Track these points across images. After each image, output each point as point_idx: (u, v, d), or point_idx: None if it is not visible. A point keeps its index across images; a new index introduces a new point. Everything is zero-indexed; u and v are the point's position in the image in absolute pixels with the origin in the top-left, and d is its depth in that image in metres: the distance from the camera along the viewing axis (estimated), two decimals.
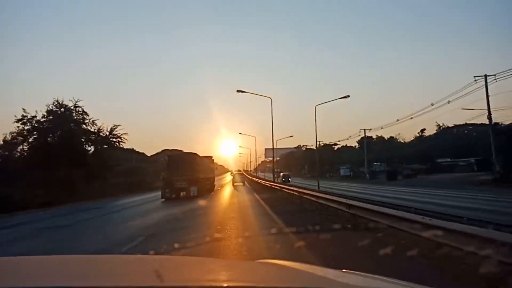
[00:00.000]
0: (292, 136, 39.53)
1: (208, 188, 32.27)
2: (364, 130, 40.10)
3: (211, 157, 38.17)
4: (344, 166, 53.20)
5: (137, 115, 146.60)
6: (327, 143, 67.50)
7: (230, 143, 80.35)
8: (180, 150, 45.97)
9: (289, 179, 45.96)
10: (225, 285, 1.23)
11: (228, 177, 67.88)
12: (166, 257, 3.48)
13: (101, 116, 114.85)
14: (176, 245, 6.32)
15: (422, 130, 53.31)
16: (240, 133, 52.86)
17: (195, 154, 26.34)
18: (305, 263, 1.81)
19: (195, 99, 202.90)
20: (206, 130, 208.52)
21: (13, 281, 1.20)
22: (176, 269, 1.51)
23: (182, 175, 24.90)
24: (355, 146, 70.15)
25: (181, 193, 24.81)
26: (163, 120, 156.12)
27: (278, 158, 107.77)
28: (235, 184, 40.33)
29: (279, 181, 39.13)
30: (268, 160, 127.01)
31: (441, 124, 50.46)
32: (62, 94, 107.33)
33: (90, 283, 1.17)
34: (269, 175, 67.97)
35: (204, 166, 30.28)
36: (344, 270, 1.52)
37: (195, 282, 1.20)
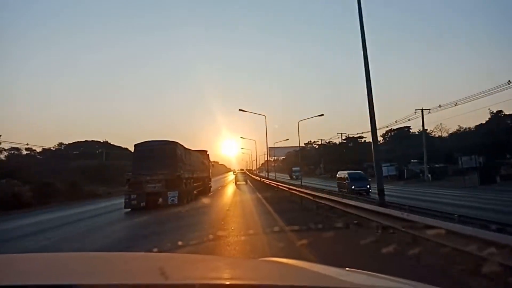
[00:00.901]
0: (322, 114, 31.38)
1: (201, 191, 24.70)
2: (422, 110, 30.88)
3: (206, 151, 30.20)
4: (387, 163, 42.89)
5: (136, 115, 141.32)
6: (352, 135, 56.58)
7: (232, 142, 75.82)
8: None
9: (368, 186, 25.02)
10: (228, 282, 1.21)
11: (230, 177, 66.75)
12: (170, 254, 3.57)
13: (99, 115, 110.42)
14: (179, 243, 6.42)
15: (499, 112, 38.63)
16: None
17: (176, 143, 18.36)
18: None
19: (196, 98, 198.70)
20: (207, 131, 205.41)
21: (17, 279, 1.19)
22: (180, 267, 1.51)
23: (156, 173, 17.06)
24: (380, 141, 60.80)
25: (159, 200, 16.93)
26: (162, 121, 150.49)
27: (284, 157, 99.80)
28: (237, 183, 39.53)
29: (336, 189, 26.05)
30: (272, 160, 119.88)
31: (494, 112, 39.72)
32: (61, 93, 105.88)
33: (94, 281, 1.16)
34: (280, 176, 59.95)
35: (194, 161, 22.40)
36: (347, 269, 1.50)
37: (199, 280, 1.20)
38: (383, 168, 41.16)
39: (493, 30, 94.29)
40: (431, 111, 29.88)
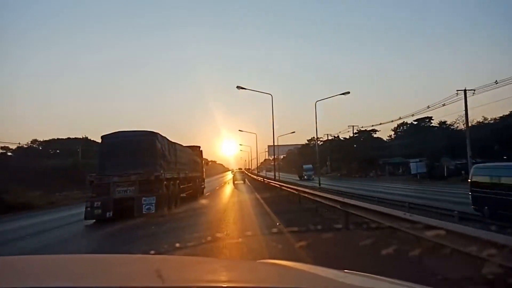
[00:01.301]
0: (348, 92, 26.45)
1: (191, 193, 20.93)
2: (465, 90, 25.53)
3: (198, 147, 26.20)
4: (416, 159, 35.43)
5: (134, 115, 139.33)
6: (364, 128, 49.13)
7: (230, 142, 74.00)
8: None
9: None
10: (226, 285, 1.22)
11: (229, 176, 65.28)
12: (167, 257, 3.44)
13: (99, 115, 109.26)
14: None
15: None
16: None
17: (155, 134, 14.41)
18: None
19: (194, 98, 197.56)
20: (206, 130, 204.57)
21: (14, 281, 1.18)
22: (177, 269, 1.50)
23: (128, 174, 13.24)
24: (391, 136, 55.65)
25: (131, 207, 13.10)
26: (160, 121, 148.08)
27: (284, 156, 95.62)
28: (235, 182, 38.87)
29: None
30: (271, 158, 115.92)
31: None
32: (61, 93, 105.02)
33: (91, 283, 1.16)
34: (284, 175, 53.17)
35: (181, 158, 18.53)
36: (346, 271, 1.48)
37: (196, 282, 1.19)
38: (411, 165, 36.57)
39: None
40: (476, 91, 24.98)
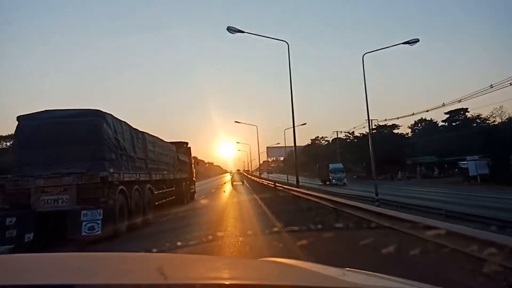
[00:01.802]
0: (416, 40, 19.63)
1: (175, 200, 16.89)
2: None
3: (185, 143, 21.72)
4: (474, 156, 27.84)
5: (130, 116, 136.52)
6: (385, 122, 43.74)
7: (228, 143, 73.22)
8: None
9: None
10: (228, 282, 1.20)
11: (227, 177, 66.31)
12: (169, 255, 3.56)
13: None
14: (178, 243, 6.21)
15: None
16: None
17: (104, 115, 9.73)
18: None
19: (191, 96, 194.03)
20: (204, 131, 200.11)
21: (16, 279, 1.18)
22: (179, 267, 1.49)
23: (57, 173, 8.68)
24: (408, 133, 50.75)
25: (64, 227, 8.56)
26: (157, 121, 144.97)
27: (283, 157, 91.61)
28: (234, 183, 38.81)
29: None
30: (271, 160, 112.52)
31: None
32: (59, 93, 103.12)
33: (94, 281, 1.16)
34: (292, 179, 47.59)
35: (156, 154, 14.03)
36: (347, 269, 1.48)
37: (198, 280, 1.19)
38: (469, 164, 30.43)
39: None
40: None
